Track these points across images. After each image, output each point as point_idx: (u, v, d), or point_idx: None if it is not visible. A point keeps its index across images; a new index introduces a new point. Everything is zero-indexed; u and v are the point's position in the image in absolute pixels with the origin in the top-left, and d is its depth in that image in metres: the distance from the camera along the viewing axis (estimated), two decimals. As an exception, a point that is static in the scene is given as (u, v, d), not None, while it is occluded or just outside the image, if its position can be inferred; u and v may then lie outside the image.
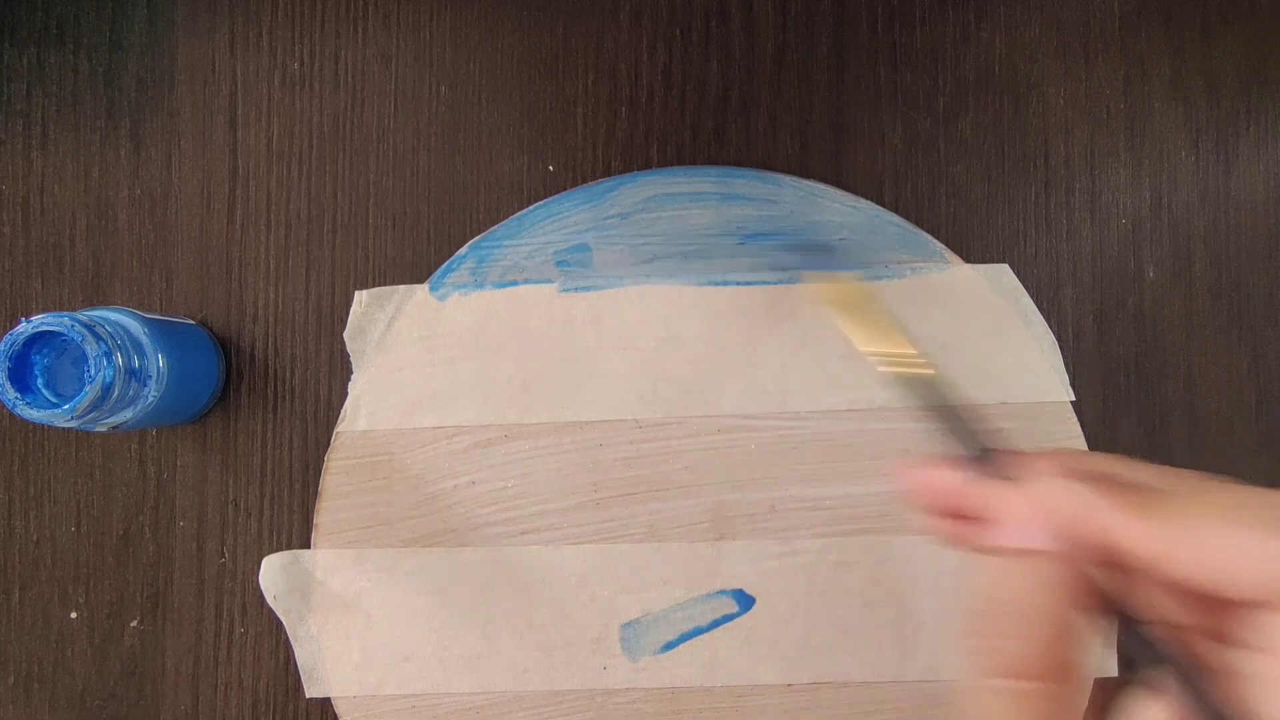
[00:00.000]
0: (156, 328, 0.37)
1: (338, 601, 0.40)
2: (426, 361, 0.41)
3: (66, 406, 0.32)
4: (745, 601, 0.40)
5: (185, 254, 0.42)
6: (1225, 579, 0.19)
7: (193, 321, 0.41)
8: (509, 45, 0.42)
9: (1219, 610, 0.20)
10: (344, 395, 0.41)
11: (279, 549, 0.41)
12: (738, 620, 0.40)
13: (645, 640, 0.40)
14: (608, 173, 0.42)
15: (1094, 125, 0.42)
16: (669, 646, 0.40)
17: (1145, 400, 0.41)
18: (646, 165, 0.42)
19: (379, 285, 0.41)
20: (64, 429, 0.41)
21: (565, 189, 0.41)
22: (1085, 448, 0.40)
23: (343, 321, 0.41)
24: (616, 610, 0.40)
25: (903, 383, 0.25)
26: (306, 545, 0.41)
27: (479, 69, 0.42)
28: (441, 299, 0.41)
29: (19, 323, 0.33)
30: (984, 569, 0.21)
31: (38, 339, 0.33)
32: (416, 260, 0.42)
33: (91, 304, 0.42)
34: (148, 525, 0.41)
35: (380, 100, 0.42)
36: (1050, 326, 0.41)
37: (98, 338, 0.33)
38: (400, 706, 0.40)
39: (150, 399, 0.36)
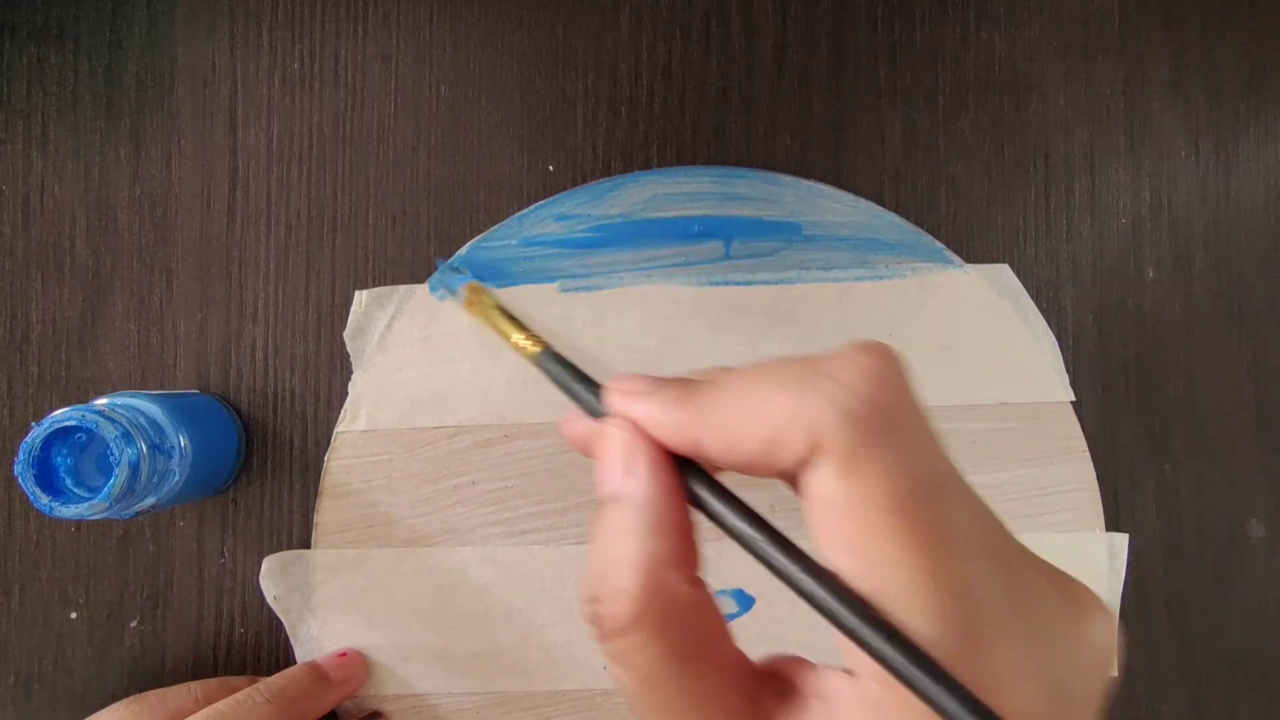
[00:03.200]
0: (167, 402, 0.37)
1: (338, 602, 0.40)
2: (426, 361, 0.41)
3: (101, 495, 0.33)
4: (745, 601, 0.40)
5: (185, 254, 0.42)
6: (754, 449, 0.19)
7: (198, 392, 0.42)
8: (509, 45, 0.42)
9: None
10: (344, 395, 0.41)
11: (279, 549, 0.41)
12: (738, 620, 0.40)
13: (645, 640, 0.40)
14: (608, 173, 0.42)
15: (1094, 125, 0.42)
16: (669, 646, 0.40)
17: (1145, 400, 0.41)
18: (646, 165, 0.42)
19: (379, 285, 0.41)
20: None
21: (565, 189, 0.41)
22: (1085, 448, 0.40)
23: (343, 321, 0.41)
24: (616, 610, 0.40)
25: (535, 363, 0.26)
26: (307, 545, 0.41)
27: (479, 69, 0.42)
28: (441, 299, 0.41)
29: (31, 428, 0.33)
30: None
31: (55, 439, 0.34)
32: (416, 260, 0.42)
33: (91, 304, 0.42)
34: (148, 525, 0.41)
35: (380, 100, 0.42)
36: (1050, 326, 0.41)
37: (112, 421, 0.33)
38: (400, 706, 0.40)
39: (177, 474, 0.36)
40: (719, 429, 0.19)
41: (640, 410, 0.20)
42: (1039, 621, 0.19)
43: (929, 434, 0.19)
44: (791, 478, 0.20)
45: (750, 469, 0.19)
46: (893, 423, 0.18)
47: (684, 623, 0.19)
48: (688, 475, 0.20)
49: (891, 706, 0.17)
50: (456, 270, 0.34)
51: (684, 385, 0.20)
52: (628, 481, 0.20)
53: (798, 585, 0.18)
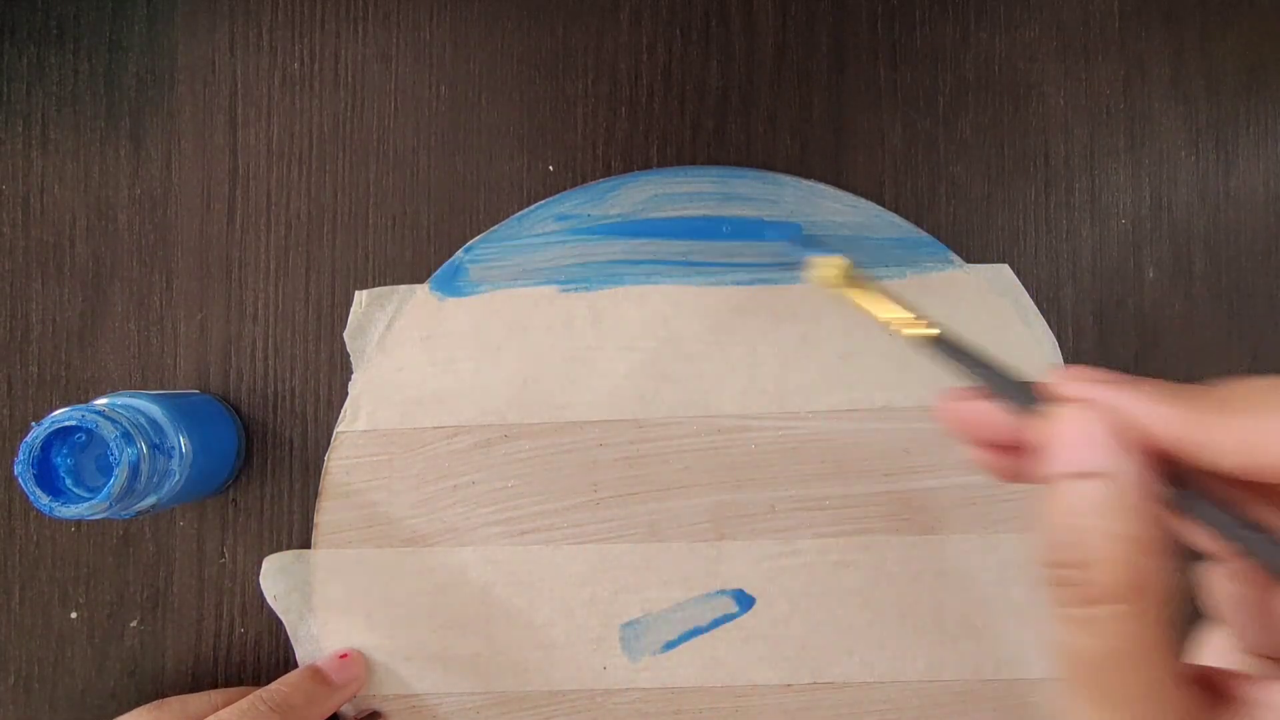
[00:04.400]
0: (167, 402, 0.37)
1: (338, 602, 0.40)
2: (426, 361, 0.41)
3: (101, 495, 0.33)
4: (745, 601, 0.40)
5: (185, 254, 0.42)
6: (1270, 460, 0.19)
7: (198, 392, 0.41)
8: (509, 45, 0.42)
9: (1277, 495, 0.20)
10: (344, 395, 0.41)
11: (279, 549, 0.41)
12: (738, 620, 0.40)
13: (645, 640, 0.40)
14: (608, 173, 0.42)
15: (1094, 125, 0.42)
16: (669, 646, 0.40)
17: (1145, 400, 0.41)
18: (646, 165, 0.42)
19: (379, 285, 0.41)
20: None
21: (565, 189, 0.41)
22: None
23: (342, 321, 0.41)
24: (616, 610, 0.40)
25: (921, 344, 0.26)
26: (307, 545, 0.41)
27: (479, 69, 0.42)
28: (441, 299, 0.41)
29: (31, 428, 0.33)
30: (1046, 499, 0.21)
31: (55, 439, 0.34)
32: (416, 260, 0.42)
33: (91, 304, 0.42)
34: (148, 525, 0.41)
35: (380, 100, 0.42)
36: (1050, 326, 0.41)
37: (113, 421, 0.33)
38: (400, 706, 0.40)
39: (177, 474, 0.36)
40: (1230, 432, 0.19)
41: (1128, 398, 0.21)
42: None
43: None
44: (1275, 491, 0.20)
45: (1240, 474, 0.19)
46: None
47: (1156, 605, 0.19)
48: (1161, 471, 0.20)
49: None
50: (814, 239, 0.32)
51: (1172, 385, 0.21)
52: (1114, 457, 0.20)
53: None
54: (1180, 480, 0.20)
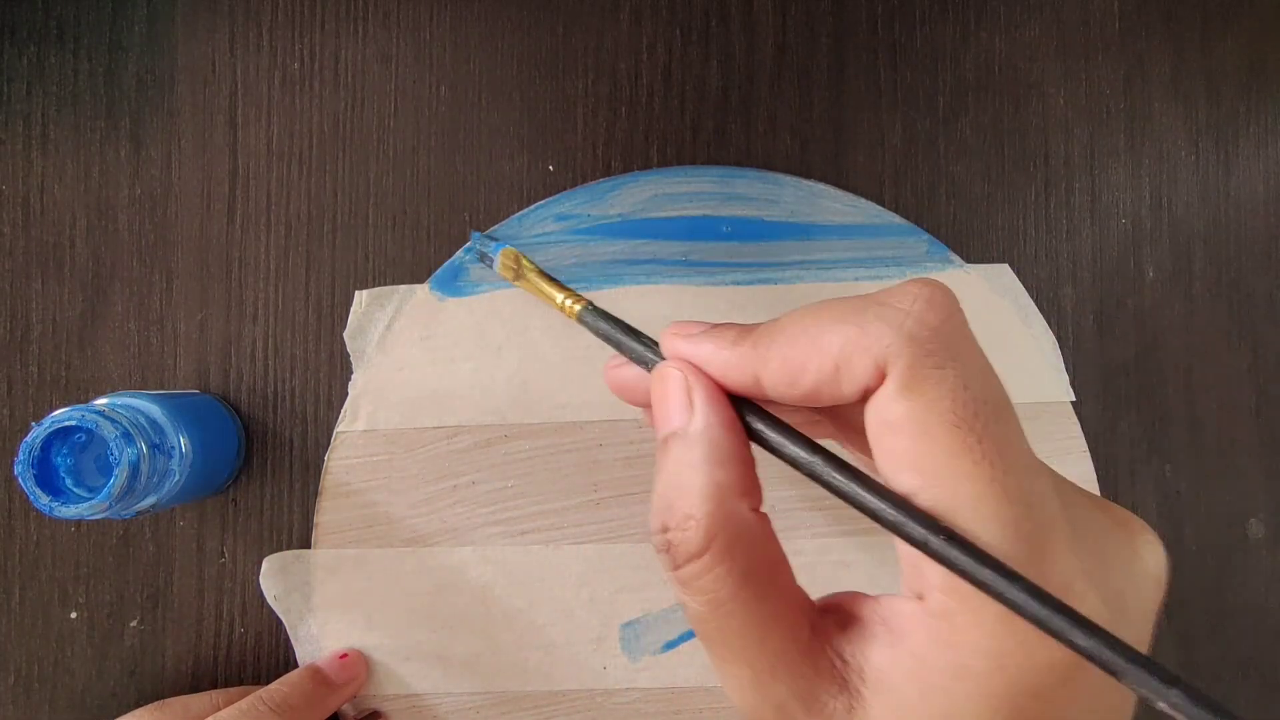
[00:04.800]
0: (167, 402, 0.37)
1: (338, 601, 0.40)
2: (427, 361, 0.41)
3: (101, 495, 0.33)
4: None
5: (185, 254, 0.42)
6: (813, 381, 0.19)
7: (198, 392, 0.41)
8: (509, 45, 0.42)
9: (844, 415, 0.21)
10: (344, 395, 0.41)
11: (279, 549, 0.41)
12: (738, 620, 0.40)
13: (645, 640, 0.40)
14: (608, 173, 0.42)
15: (1094, 125, 0.42)
16: (669, 646, 0.40)
17: (1145, 400, 0.41)
18: (646, 165, 0.42)
19: (379, 285, 0.41)
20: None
21: (565, 189, 0.41)
22: (1085, 448, 0.40)
23: (342, 321, 0.41)
24: (616, 610, 0.40)
25: (581, 321, 0.27)
26: (307, 545, 0.41)
27: (479, 69, 0.42)
28: (442, 299, 0.41)
29: (31, 428, 0.33)
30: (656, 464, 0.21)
31: (55, 439, 0.34)
32: (416, 260, 0.42)
33: (91, 304, 0.42)
34: (148, 525, 0.41)
35: (380, 100, 0.42)
36: (1050, 326, 0.41)
37: (113, 421, 0.33)
38: (400, 706, 0.40)
39: (177, 474, 0.36)
40: (782, 362, 0.20)
41: (700, 350, 0.21)
42: (1093, 538, 0.19)
43: (984, 360, 0.20)
44: (847, 411, 0.20)
45: (809, 400, 0.20)
46: (953, 346, 0.19)
47: (752, 549, 0.20)
48: (745, 410, 0.21)
49: (961, 618, 0.18)
50: (491, 238, 0.34)
51: (741, 327, 0.21)
52: (690, 416, 0.20)
53: (864, 505, 0.19)
54: (764, 414, 0.21)
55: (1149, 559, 0.20)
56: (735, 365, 0.21)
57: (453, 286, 0.41)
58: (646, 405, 0.23)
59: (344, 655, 0.39)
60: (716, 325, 0.22)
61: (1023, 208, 0.42)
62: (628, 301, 0.41)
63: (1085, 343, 0.41)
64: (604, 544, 0.40)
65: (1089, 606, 0.17)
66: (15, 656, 0.41)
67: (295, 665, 0.40)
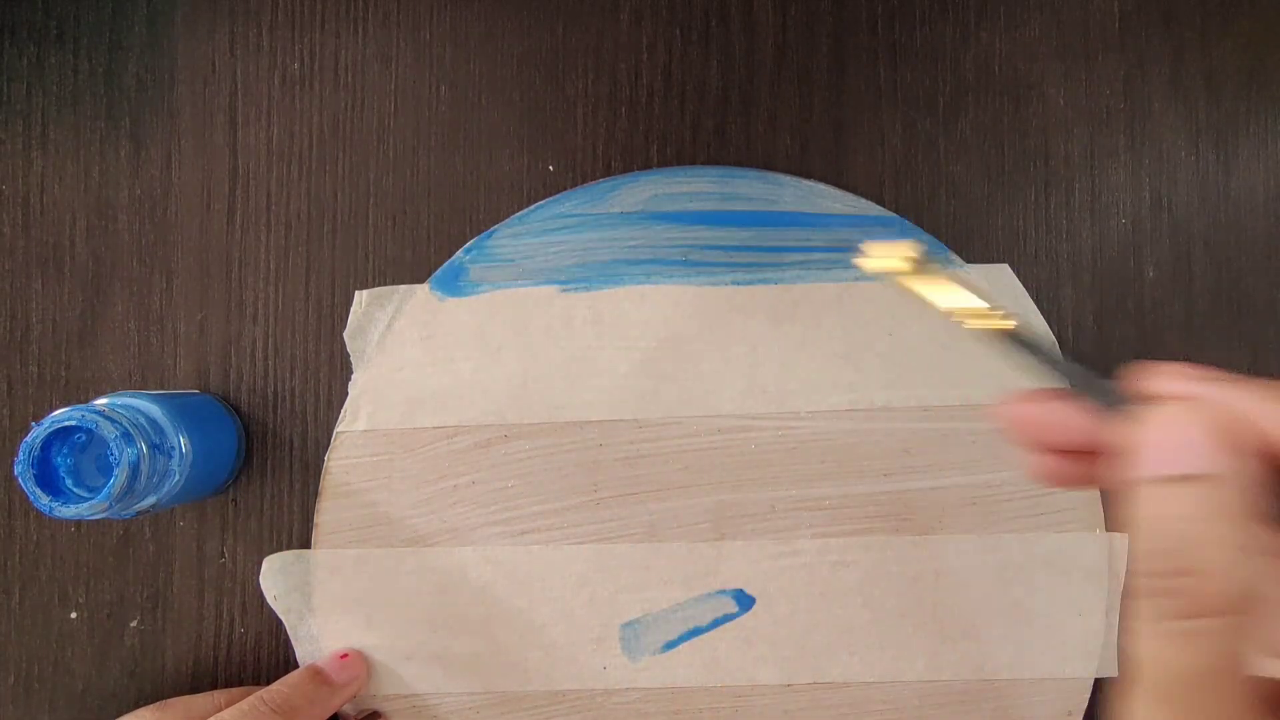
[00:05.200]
0: (167, 402, 0.37)
1: (338, 601, 0.40)
2: (427, 361, 0.41)
3: (101, 495, 0.33)
4: (745, 601, 0.40)
5: (185, 254, 0.42)
6: None
7: (198, 392, 0.41)
8: (509, 45, 0.42)
9: None
10: (344, 395, 0.41)
11: (279, 549, 0.41)
12: (738, 620, 0.40)
13: (645, 640, 0.40)
14: (608, 173, 0.42)
15: (1094, 125, 0.42)
16: (669, 646, 0.40)
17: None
18: (646, 165, 0.42)
19: (379, 285, 0.41)
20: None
21: (565, 189, 0.41)
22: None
23: (342, 321, 0.41)
24: (616, 610, 0.40)
25: (993, 337, 0.24)
26: (307, 545, 0.41)
27: (479, 69, 0.42)
28: (442, 299, 0.41)
29: (31, 428, 0.33)
30: (1143, 503, 0.19)
31: (55, 439, 0.34)
32: (416, 260, 0.42)
33: (91, 304, 0.42)
34: (147, 525, 0.41)
35: (380, 100, 0.42)
36: (1051, 326, 0.41)
37: (113, 421, 0.33)
38: (400, 706, 0.40)
39: (177, 474, 0.36)
40: None
41: (1234, 398, 0.19)
42: None
43: None
44: None
45: None
46: None
47: (1257, 621, 0.18)
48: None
49: None
50: (883, 227, 0.28)
51: (1274, 384, 0.20)
52: (1222, 461, 0.19)
53: None
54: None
55: None
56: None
57: (453, 286, 0.41)
58: (1058, 449, 0.22)
59: (344, 655, 0.39)
60: (1228, 375, 0.20)
61: (1023, 208, 0.42)
62: (628, 301, 0.41)
63: (1085, 343, 0.41)
64: (604, 544, 0.40)
65: None
66: (15, 656, 0.41)
67: (295, 665, 0.40)
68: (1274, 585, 0.19)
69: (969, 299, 0.25)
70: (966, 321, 0.25)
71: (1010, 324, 0.24)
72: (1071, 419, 0.22)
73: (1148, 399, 0.20)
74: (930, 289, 0.26)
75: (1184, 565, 0.18)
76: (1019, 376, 0.23)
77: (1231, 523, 0.18)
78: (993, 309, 0.24)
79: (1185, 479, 0.19)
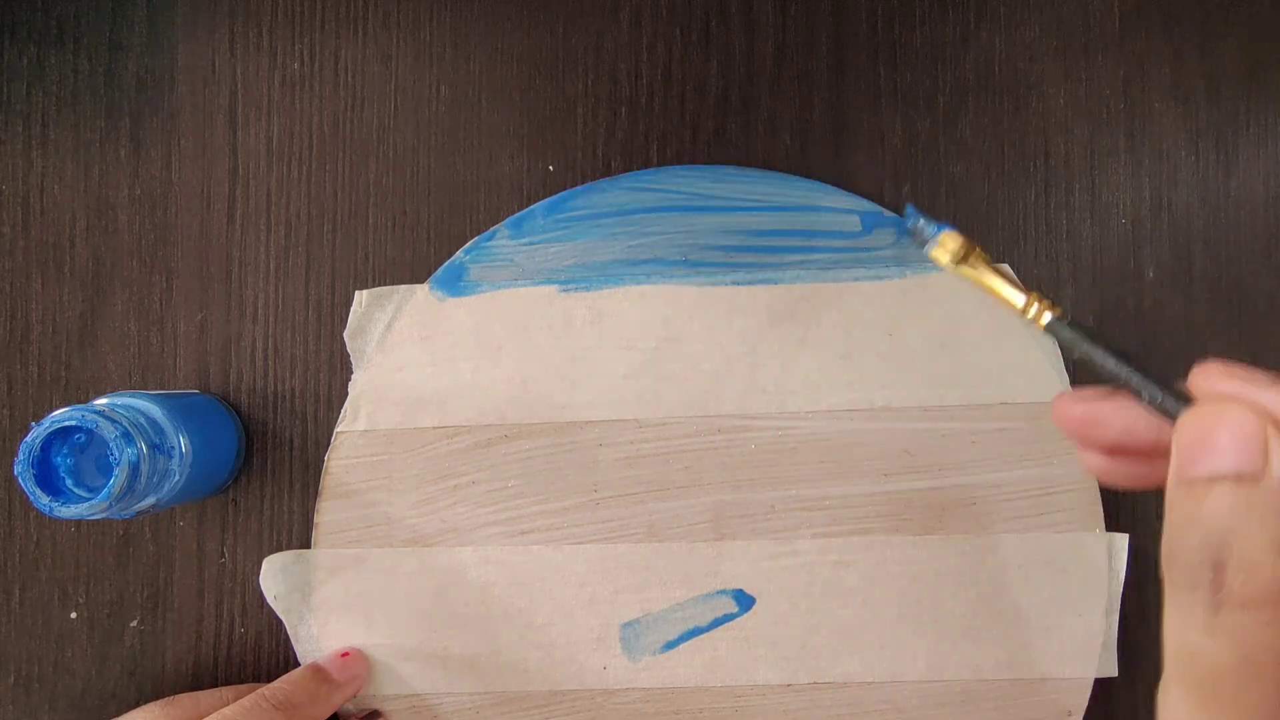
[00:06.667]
0: (167, 402, 0.37)
1: (338, 601, 0.40)
2: (427, 361, 0.41)
3: (101, 495, 0.33)
4: (745, 601, 0.40)
5: (185, 254, 0.42)
6: None
7: (198, 392, 0.42)
8: (509, 45, 0.42)
9: None
10: (344, 395, 0.41)
11: (279, 549, 0.41)
12: (737, 620, 0.40)
13: (645, 640, 0.40)
14: (608, 173, 0.42)
15: (1094, 125, 0.42)
16: (669, 646, 0.40)
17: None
18: (646, 165, 0.42)
19: (379, 285, 0.41)
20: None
21: (565, 189, 0.41)
22: (1085, 448, 0.40)
23: (342, 321, 0.41)
24: (616, 610, 0.40)
25: (1053, 332, 0.24)
26: (307, 545, 0.41)
27: (479, 69, 0.42)
28: (442, 299, 0.41)
29: (31, 429, 0.33)
30: (1189, 498, 0.20)
31: (55, 439, 0.34)
32: (416, 260, 0.42)
33: (91, 304, 0.42)
34: (148, 525, 0.41)
35: (380, 100, 0.42)
36: (1050, 326, 0.41)
37: (113, 422, 0.33)
38: (400, 706, 0.40)
39: (177, 474, 0.36)
40: None
41: (1275, 396, 0.20)
42: None
43: None
44: None
45: None
46: None
47: None
48: None
49: None
50: (932, 219, 0.27)
51: None
52: (1266, 462, 0.19)
53: None
54: None
55: None
56: None
57: (453, 286, 0.41)
58: (1114, 448, 0.22)
59: (345, 654, 0.39)
60: (1270, 374, 0.21)
61: (1023, 208, 0.42)
62: (628, 301, 0.41)
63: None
64: (604, 544, 0.40)
65: None
66: (15, 656, 0.41)
67: (296, 665, 0.40)
68: None
69: (1020, 294, 0.25)
70: (1038, 318, 0.24)
71: (1068, 319, 0.23)
72: (1123, 418, 0.22)
73: (1196, 398, 0.21)
74: (996, 282, 0.26)
75: (1229, 560, 0.19)
76: (1058, 375, 0.22)
77: (1275, 520, 0.19)
78: (1054, 303, 0.24)
79: (1231, 477, 0.19)
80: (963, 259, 0.26)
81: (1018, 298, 0.25)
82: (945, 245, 0.27)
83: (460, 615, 0.40)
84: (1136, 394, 0.22)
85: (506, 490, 0.40)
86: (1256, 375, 0.21)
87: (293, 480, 0.41)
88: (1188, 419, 0.21)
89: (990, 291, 0.26)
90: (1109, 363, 0.22)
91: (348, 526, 0.40)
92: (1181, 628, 0.19)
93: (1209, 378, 0.21)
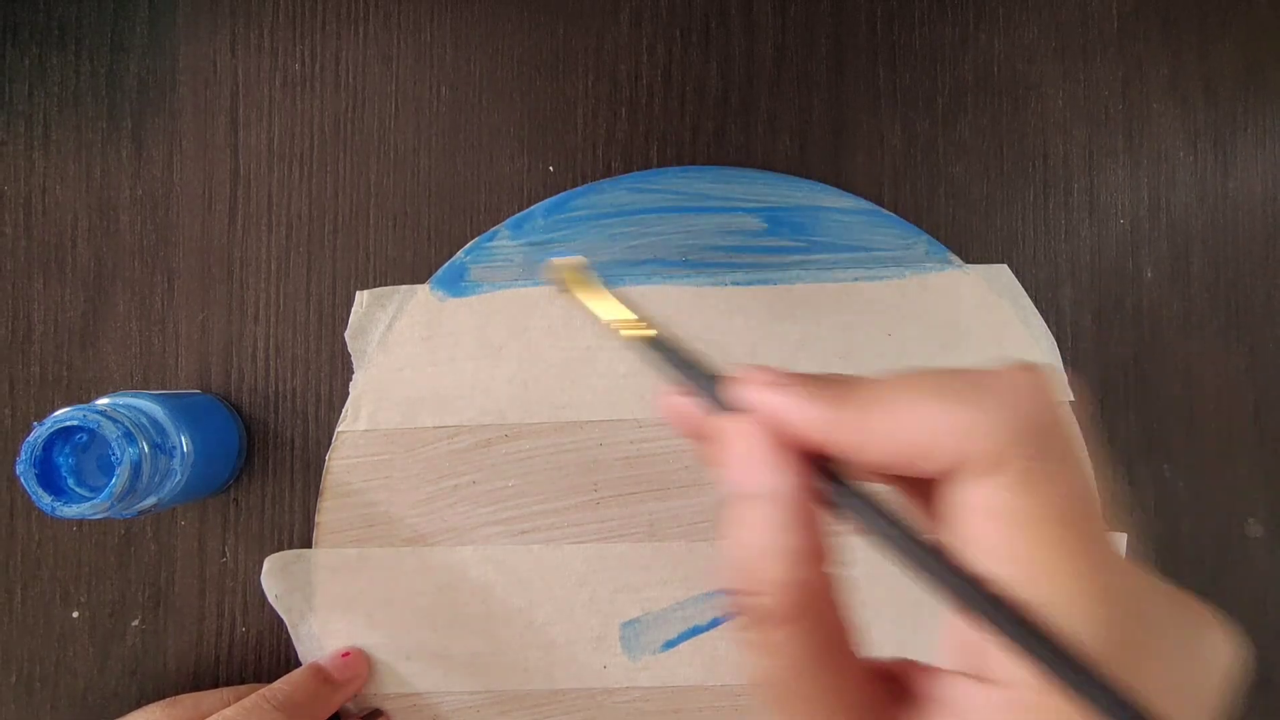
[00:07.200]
0: (169, 402, 0.37)
1: (339, 601, 0.40)
2: (428, 361, 0.41)
3: (103, 495, 0.33)
4: (745, 601, 0.40)
5: (186, 254, 0.42)
6: (908, 454, 0.19)
7: (200, 392, 0.42)
8: (509, 46, 0.42)
9: (923, 488, 0.20)
10: (345, 395, 0.41)
11: (280, 548, 0.41)
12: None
13: (645, 639, 0.40)
14: (608, 173, 0.42)
15: (1092, 126, 0.42)
16: (669, 645, 0.40)
17: (1144, 400, 0.41)
18: (646, 165, 0.42)
19: (380, 285, 0.42)
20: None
21: (565, 189, 0.42)
22: (1085, 448, 0.41)
23: (343, 321, 0.41)
24: (616, 609, 0.40)
25: (638, 345, 0.26)
26: (308, 545, 0.41)
27: (479, 70, 0.42)
28: (442, 299, 0.41)
29: (33, 428, 0.33)
30: (722, 521, 0.21)
31: (56, 439, 0.34)
32: (417, 260, 0.42)
33: (93, 304, 0.42)
34: (149, 525, 0.41)
35: (381, 101, 0.42)
36: (1050, 326, 0.41)
37: (114, 421, 0.33)
38: (400, 705, 0.40)
39: (178, 474, 0.36)
40: (872, 431, 0.19)
41: (781, 403, 0.20)
42: (1175, 637, 0.19)
43: (1084, 454, 0.20)
44: (923, 483, 0.20)
45: (885, 468, 0.20)
46: (1064, 444, 0.19)
47: (826, 614, 0.20)
48: (818, 471, 0.21)
49: (1047, 713, 0.17)
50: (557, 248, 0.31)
51: (817, 381, 0.21)
52: (768, 478, 0.20)
53: (950, 586, 0.18)
54: (839, 475, 0.20)
55: (1223, 653, 0.21)
56: (819, 425, 0.20)
57: (454, 287, 0.41)
58: (702, 439, 0.23)
59: (346, 653, 0.40)
60: (792, 376, 0.21)
61: (1022, 208, 0.42)
62: (628, 302, 0.41)
63: (1084, 343, 0.41)
64: (604, 543, 0.40)
65: (1169, 708, 0.17)
66: (17, 656, 0.41)
67: (297, 664, 0.41)
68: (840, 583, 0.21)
69: (622, 311, 0.27)
70: (620, 331, 0.27)
71: (653, 333, 0.26)
72: (694, 412, 0.23)
73: (729, 408, 0.21)
74: (592, 301, 0.28)
75: (748, 582, 0.20)
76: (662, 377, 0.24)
77: (785, 536, 0.19)
78: (639, 320, 0.27)
79: (743, 498, 0.20)
80: (571, 287, 0.29)
81: (605, 314, 0.27)
82: (554, 271, 0.29)
83: (461, 614, 0.40)
84: (701, 399, 0.23)
85: (507, 490, 0.41)
86: (779, 379, 0.21)
87: (294, 480, 0.41)
88: (717, 436, 0.21)
89: (593, 312, 0.28)
90: (677, 371, 0.24)
91: (349, 526, 0.41)
92: (738, 644, 0.20)
93: (745, 387, 0.21)
